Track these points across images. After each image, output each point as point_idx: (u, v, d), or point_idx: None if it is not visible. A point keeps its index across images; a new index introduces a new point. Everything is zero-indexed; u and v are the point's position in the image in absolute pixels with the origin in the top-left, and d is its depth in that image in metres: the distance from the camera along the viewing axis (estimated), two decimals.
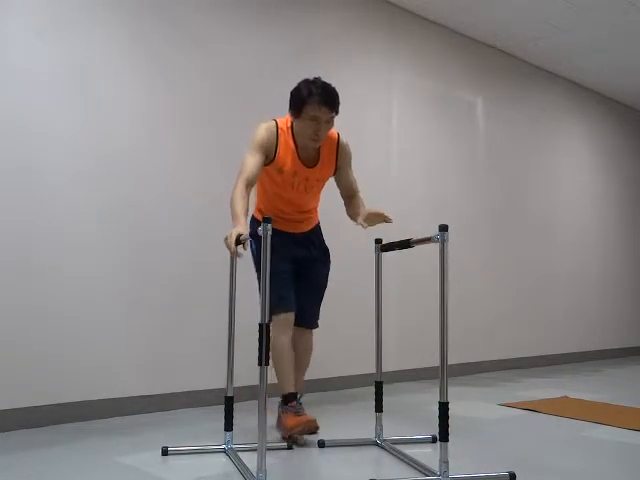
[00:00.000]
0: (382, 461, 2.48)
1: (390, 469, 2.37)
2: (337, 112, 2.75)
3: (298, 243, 2.92)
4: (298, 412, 2.67)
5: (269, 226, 2.14)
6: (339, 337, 3.92)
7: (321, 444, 2.57)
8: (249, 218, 2.85)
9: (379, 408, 2.75)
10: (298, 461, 2.46)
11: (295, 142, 2.80)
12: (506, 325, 5.39)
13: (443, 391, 2.21)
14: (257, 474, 2.01)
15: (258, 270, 2.79)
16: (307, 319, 2.94)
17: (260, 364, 2.06)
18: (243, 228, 2.44)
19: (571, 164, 6.48)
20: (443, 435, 2.16)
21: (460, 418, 3.29)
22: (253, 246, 2.82)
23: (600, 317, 6.63)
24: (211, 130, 3.69)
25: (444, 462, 2.14)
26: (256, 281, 2.78)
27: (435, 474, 2.17)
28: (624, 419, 3.24)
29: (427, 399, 3.87)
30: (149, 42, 3.46)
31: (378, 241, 2.84)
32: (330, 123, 2.75)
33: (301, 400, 2.83)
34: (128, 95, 3.37)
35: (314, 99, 2.68)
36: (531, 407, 3.57)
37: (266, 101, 3.96)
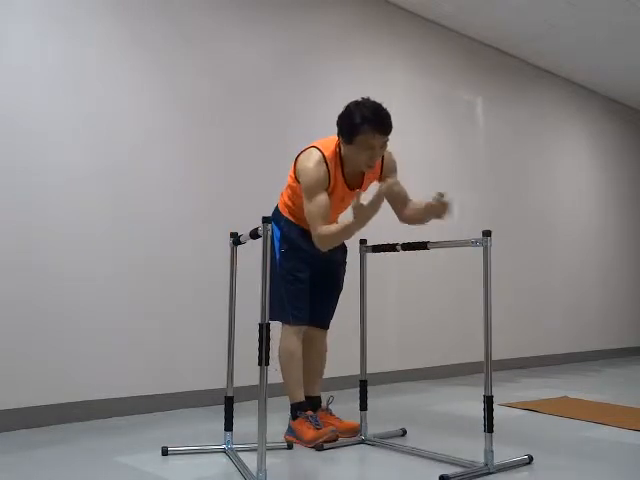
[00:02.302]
0: (381, 459, 2.48)
1: (394, 466, 2.38)
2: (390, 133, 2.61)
3: None
4: (317, 424, 2.65)
5: (269, 226, 2.14)
6: (336, 338, 3.92)
7: (319, 447, 2.57)
8: (270, 210, 2.84)
9: (364, 407, 2.77)
10: (298, 461, 2.46)
11: (342, 169, 2.68)
12: (506, 325, 5.38)
13: (488, 385, 2.29)
14: (257, 474, 2.01)
15: (272, 271, 2.76)
16: (326, 320, 2.92)
17: (260, 364, 2.06)
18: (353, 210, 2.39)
19: (571, 164, 6.48)
20: (489, 427, 2.27)
21: (460, 418, 3.29)
22: (276, 244, 2.76)
23: (600, 317, 6.63)
24: (211, 129, 3.69)
25: (490, 451, 2.27)
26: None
27: (476, 465, 2.28)
28: (624, 419, 3.24)
29: (422, 399, 3.87)
30: (149, 42, 3.47)
31: (363, 242, 2.85)
32: (384, 147, 2.63)
33: (331, 401, 2.85)
34: (128, 95, 3.37)
35: (368, 127, 2.52)
36: (531, 407, 3.56)
37: (266, 100, 3.97)
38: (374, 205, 2.35)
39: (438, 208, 2.56)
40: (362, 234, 2.88)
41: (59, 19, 3.15)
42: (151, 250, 3.39)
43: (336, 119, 2.65)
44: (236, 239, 2.57)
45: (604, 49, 5.68)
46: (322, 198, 2.57)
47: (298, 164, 2.68)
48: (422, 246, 2.64)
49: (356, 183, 2.75)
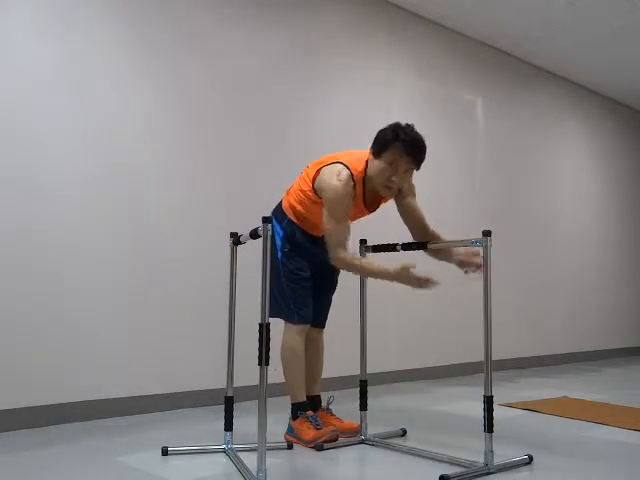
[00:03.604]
0: (381, 459, 2.48)
1: (394, 466, 2.38)
2: (419, 167, 2.59)
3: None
4: (317, 424, 2.65)
5: (269, 226, 2.14)
6: (336, 338, 3.92)
7: (319, 448, 2.57)
8: (271, 209, 2.85)
9: (364, 407, 2.78)
10: (298, 461, 2.46)
11: (364, 188, 2.65)
12: (506, 325, 5.38)
13: (488, 385, 2.30)
14: (257, 474, 2.01)
15: (274, 269, 2.76)
16: (323, 319, 2.93)
17: (260, 364, 2.06)
18: (400, 265, 2.44)
19: (571, 164, 6.48)
20: (489, 427, 2.27)
21: (460, 418, 3.29)
22: (278, 243, 2.77)
23: (600, 317, 6.63)
24: (211, 129, 3.69)
25: (490, 452, 2.27)
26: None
27: (476, 465, 2.29)
28: (624, 419, 3.24)
29: (422, 399, 3.87)
30: (150, 41, 3.46)
31: (363, 242, 2.85)
32: (408, 174, 2.61)
33: (332, 401, 2.86)
34: (129, 95, 3.37)
35: (398, 145, 2.51)
36: (531, 407, 3.56)
37: (266, 100, 3.97)
38: (416, 282, 2.43)
39: (470, 263, 2.57)
40: (362, 234, 2.89)
41: (60, 18, 3.15)
42: (151, 250, 3.39)
43: (376, 132, 2.62)
44: (236, 239, 2.57)
45: (604, 49, 5.68)
46: (347, 223, 2.58)
47: (322, 179, 2.60)
48: (422, 246, 2.65)
49: (373, 203, 2.75)
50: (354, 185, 2.58)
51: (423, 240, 2.71)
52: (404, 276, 2.42)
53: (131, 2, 3.40)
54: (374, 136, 2.62)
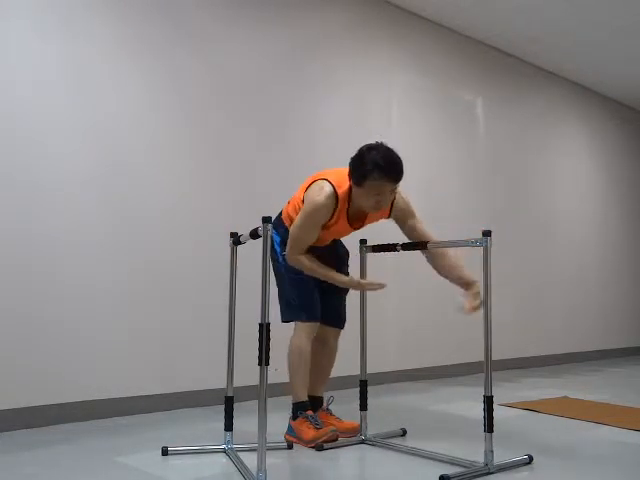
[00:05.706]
0: (381, 459, 2.48)
1: (394, 466, 2.38)
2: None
3: (325, 247, 2.89)
4: (317, 424, 2.66)
5: (269, 226, 2.14)
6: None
7: (319, 448, 2.57)
8: (275, 216, 2.85)
9: (364, 407, 2.78)
10: (298, 461, 2.46)
11: (348, 206, 2.67)
12: (506, 325, 5.38)
13: (488, 386, 2.30)
14: (257, 474, 2.01)
15: (277, 275, 2.81)
16: (339, 320, 2.93)
17: (260, 364, 2.06)
18: (344, 276, 2.75)
19: (571, 164, 6.48)
20: (489, 427, 2.28)
21: (460, 418, 3.29)
22: (277, 249, 2.79)
23: (600, 317, 6.63)
24: (211, 129, 3.69)
25: (490, 452, 2.27)
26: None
27: (476, 465, 2.29)
28: (624, 419, 3.24)
29: (422, 399, 3.87)
30: (150, 41, 3.46)
31: (363, 242, 2.85)
32: (393, 193, 2.61)
33: (332, 401, 2.87)
34: (128, 96, 3.37)
35: (378, 174, 2.49)
36: (531, 407, 3.56)
37: (267, 100, 3.97)
38: (350, 284, 2.72)
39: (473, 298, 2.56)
40: (362, 234, 2.89)
41: (60, 19, 3.15)
42: (151, 251, 3.39)
43: (349, 160, 2.61)
44: (236, 239, 2.57)
45: (604, 49, 5.68)
46: (312, 237, 2.65)
47: (308, 193, 2.65)
48: (422, 246, 2.65)
49: (358, 220, 2.75)
50: (337, 203, 2.61)
51: (433, 260, 2.74)
52: (350, 284, 2.71)
53: (131, 2, 3.40)
54: (350, 164, 2.59)
